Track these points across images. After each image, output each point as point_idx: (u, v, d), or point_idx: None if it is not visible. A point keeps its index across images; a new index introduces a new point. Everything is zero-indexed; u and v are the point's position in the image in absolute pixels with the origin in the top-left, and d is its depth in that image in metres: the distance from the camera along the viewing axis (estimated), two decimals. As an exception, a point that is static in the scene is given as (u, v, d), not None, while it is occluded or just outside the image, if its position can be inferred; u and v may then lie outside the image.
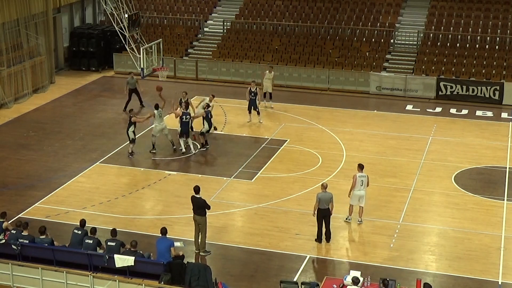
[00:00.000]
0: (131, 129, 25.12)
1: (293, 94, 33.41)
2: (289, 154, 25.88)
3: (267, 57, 35.98)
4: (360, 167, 20.63)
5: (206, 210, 18.76)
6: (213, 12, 40.41)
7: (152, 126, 26.17)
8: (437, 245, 19.61)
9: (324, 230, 19.44)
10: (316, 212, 19.34)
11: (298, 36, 37.17)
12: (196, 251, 18.86)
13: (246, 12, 39.36)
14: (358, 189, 20.37)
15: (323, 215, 19.28)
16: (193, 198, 18.82)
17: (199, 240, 18.84)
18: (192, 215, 18.86)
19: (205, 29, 39.33)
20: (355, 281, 15.10)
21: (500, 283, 17.72)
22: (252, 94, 28.56)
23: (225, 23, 38.68)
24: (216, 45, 37.56)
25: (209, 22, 39.83)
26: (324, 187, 19.32)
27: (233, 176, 23.86)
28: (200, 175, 23.88)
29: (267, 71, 31.18)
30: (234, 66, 35.61)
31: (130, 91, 30.57)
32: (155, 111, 25.69)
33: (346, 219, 20.76)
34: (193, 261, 18.18)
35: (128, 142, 25.45)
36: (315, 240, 19.45)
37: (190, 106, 26.40)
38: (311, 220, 20.60)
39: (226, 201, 21.96)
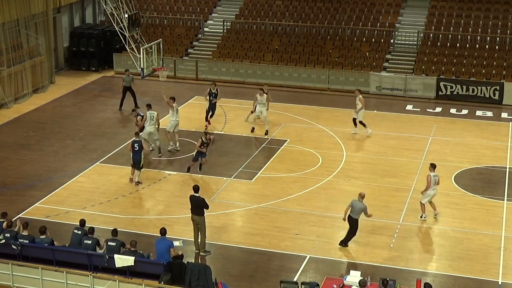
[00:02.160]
0: (143, 152, 23.05)
1: (293, 94, 33.42)
2: (289, 154, 25.87)
3: (267, 57, 35.98)
4: (433, 166, 20.80)
5: (205, 210, 18.74)
6: (213, 12, 40.42)
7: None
8: (437, 245, 19.61)
9: (347, 235, 19.24)
10: (346, 218, 19.15)
11: (298, 36, 37.17)
12: (196, 251, 18.86)
13: (246, 12, 39.36)
14: (432, 188, 20.51)
15: (352, 222, 19.06)
16: (192, 197, 18.80)
17: (199, 240, 18.83)
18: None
19: (205, 29, 39.34)
20: (362, 284, 15.02)
21: (500, 283, 17.72)
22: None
23: (225, 23, 38.69)
24: (216, 45, 37.56)
25: (209, 22, 39.84)
26: (361, 196, 19.11)
27: (233, 176, 23.85)
28: (200, 175, 23.86)
29: (357, 90, 28.31)
30: (234, 66, 35.61)
31: (125, 89, 30.57)
32: (148, 113, 24.97)
33: (421, 217, 20.79)
34: (193, 261, 18.18)
35: (136, 168, 23.02)
36: (340, 243, 19.29)
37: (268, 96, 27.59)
38: (311, 220, 20.65)
39: (226, 201, 21.96)
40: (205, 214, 18.77)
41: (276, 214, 21.24)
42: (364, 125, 27.72)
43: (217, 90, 28.01)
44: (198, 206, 18.67)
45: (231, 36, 37.91)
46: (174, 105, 25.78)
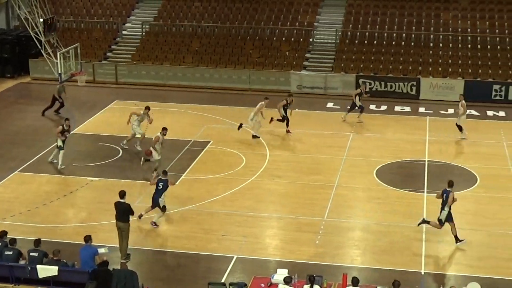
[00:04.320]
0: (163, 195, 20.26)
1: (214, 95, 33.38)
2: (213, 156, 25.82)
3: (188, 59, 35.83)
4: None
5: (130, 216, 18.46)
6: (131, 14, 39.97)
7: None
8: (361, 239, 19.92)
9: None
10: None
11: (218, 37, 37.17)
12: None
13: (165, 14, 39.10)
14: None
15: None
16: (117, 203, 18.48)
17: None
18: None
19: (124, 32, 38.87)
20: (287, 280, 15.10)
21: (423, 273, 18.15)
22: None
23: (143, 26, 38.32)
24: (135, 48, 37.16)
25: (127, 25, 39.37)
26: None
27: (157, 180, 23.57)
28: (122, 180, 23.52)
29: (460, 95, 28.25)
30: (154, 69, 35.30)
31: (54, 98, 29.93)
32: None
33: None
34: (119, 267, 17.89)
35: (155, 208, 20.39)
36: None
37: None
38: (236, 220, 20.65)
39: (150, 206, 21.66)
40: (130, 220, 18.51)
41: (202, 216, 21.15)
42: (460, 129, 27.57)
43: (292, 101, 28.30)
44: (124, 212, 18.37)
45: (150, 39, 37.58)
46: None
